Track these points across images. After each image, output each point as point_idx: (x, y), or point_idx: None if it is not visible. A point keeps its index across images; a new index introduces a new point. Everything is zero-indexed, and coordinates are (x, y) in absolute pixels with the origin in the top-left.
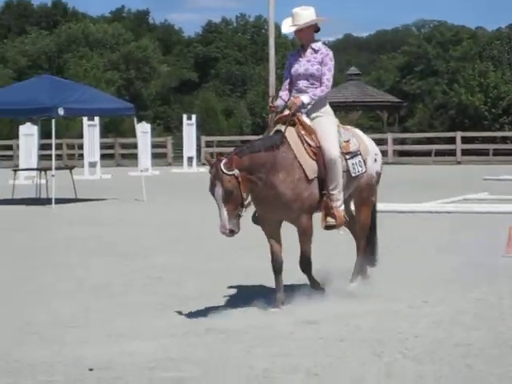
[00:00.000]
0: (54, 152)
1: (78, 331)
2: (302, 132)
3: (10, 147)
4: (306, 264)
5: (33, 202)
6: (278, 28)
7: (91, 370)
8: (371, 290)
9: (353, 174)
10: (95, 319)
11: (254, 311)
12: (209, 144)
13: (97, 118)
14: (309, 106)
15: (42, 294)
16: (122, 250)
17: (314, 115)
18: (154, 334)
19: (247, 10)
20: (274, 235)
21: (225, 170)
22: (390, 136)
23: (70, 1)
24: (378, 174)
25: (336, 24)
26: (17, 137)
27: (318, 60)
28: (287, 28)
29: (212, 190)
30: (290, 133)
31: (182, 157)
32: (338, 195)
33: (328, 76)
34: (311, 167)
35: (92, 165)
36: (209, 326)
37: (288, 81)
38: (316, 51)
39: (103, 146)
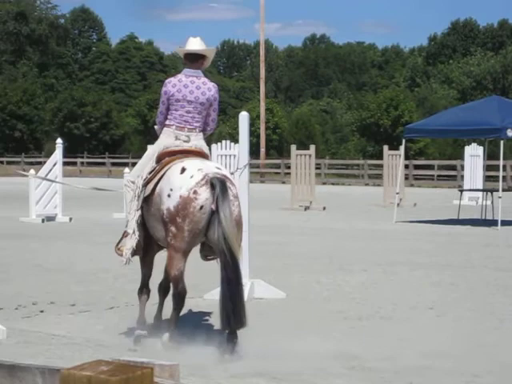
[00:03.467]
0: (501, 173)
1: None
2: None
3: (453, 167)
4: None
5: (478, 222)
6: None
7: None
8: None
9: None
10: None
11: None
12: None
13: None
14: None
15: None
16: None
17: None
18: None
19: None
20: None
21: None
22: None
23: None
24: (170, 213)
25: None
26: (461, 157)
27: None
28: None
29: None
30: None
31: None
32: (128, 223)
33: None
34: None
35: None
36: None
37: None
38: None
39: None
